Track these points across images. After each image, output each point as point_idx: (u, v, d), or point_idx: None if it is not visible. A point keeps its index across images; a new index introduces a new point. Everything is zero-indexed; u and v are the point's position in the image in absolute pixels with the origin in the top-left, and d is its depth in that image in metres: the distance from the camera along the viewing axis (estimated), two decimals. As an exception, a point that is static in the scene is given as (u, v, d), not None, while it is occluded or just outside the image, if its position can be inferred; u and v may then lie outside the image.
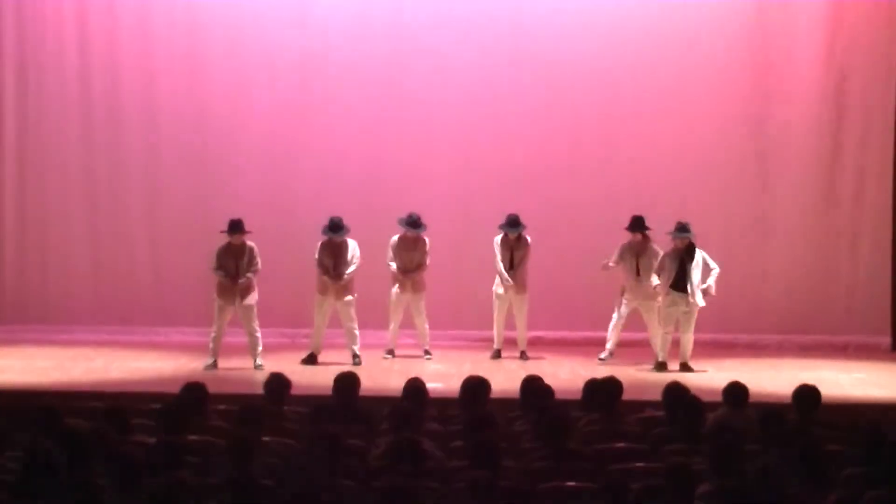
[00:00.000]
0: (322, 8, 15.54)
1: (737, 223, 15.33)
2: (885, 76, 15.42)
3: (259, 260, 13.11)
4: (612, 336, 13.72)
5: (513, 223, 13.87)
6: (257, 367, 12.94)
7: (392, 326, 14.01)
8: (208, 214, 14.77)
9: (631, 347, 13.85)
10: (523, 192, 15.13)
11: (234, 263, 13.04)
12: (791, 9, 15.41)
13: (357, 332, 13.51)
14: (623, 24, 15.44)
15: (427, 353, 14.00)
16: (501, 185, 15.32)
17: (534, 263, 13.99)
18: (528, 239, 13.90)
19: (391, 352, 14.02)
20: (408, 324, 14.17)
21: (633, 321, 13.82)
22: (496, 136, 15.48)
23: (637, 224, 13.65)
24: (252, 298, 13.12)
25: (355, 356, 13.46)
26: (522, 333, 14.04)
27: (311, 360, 13.40)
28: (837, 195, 15.51)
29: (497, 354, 14.00)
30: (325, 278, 13.41)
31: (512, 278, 13.83)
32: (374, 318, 13.92)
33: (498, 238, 13.91)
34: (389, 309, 13.97)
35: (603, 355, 13.65)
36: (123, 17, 15.45)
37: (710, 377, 12.69)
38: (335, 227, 13.44)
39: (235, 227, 13.07)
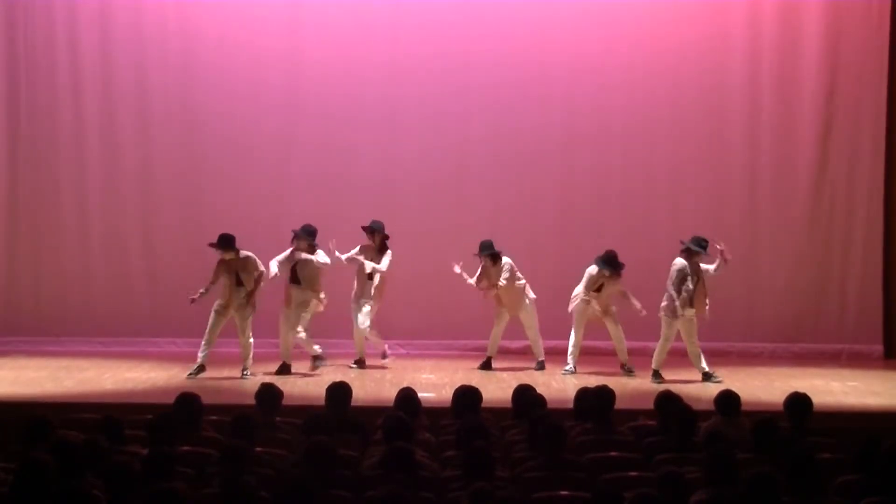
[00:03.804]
0: (314, 12, 15.53)
1: (729, 231, 15.29)
2: (875, 85, 15.44)
3: (260, 264, 13.05)
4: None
5: (482, 247, 13.69)
6: (244, 376, 12.93)
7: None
8: (201, 224, 14.77)
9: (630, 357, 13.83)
10: (515, 201, 15.16)
11: (234, 276, 13.01)
12: (783, 18, 15.44)
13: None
14: (615, 31, 15.47)
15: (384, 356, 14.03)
16: (493, 195, 15.36)
17: (526, 272, 13.97)
18: (506, 260, 13.73)
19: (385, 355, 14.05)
20: (399, 334, 14.18)
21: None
22: (488, 147, 15.49)
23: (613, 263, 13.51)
24: (250, 308, 13.10)
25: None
26: (535, 345, 14.06)
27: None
28: (829, 202, 15.54)
29: (487, 364, 13.95)
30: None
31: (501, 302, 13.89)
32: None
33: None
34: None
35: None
36: (115, 25, 15.42)
37: (702, 386, 12.73)
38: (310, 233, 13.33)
39: (224, 242, 12.99)
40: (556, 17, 15.47)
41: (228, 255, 12.95)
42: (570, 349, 13.71)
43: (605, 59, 15.45)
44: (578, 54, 15.46)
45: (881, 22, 15.44)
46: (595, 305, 13.47)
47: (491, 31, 15.43)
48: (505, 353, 14.36)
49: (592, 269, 13.48)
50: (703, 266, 13.16)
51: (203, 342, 13.03)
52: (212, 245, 13.01)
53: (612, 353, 13.74)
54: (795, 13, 15.45)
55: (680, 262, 13.08)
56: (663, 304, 13.09)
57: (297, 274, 13.33)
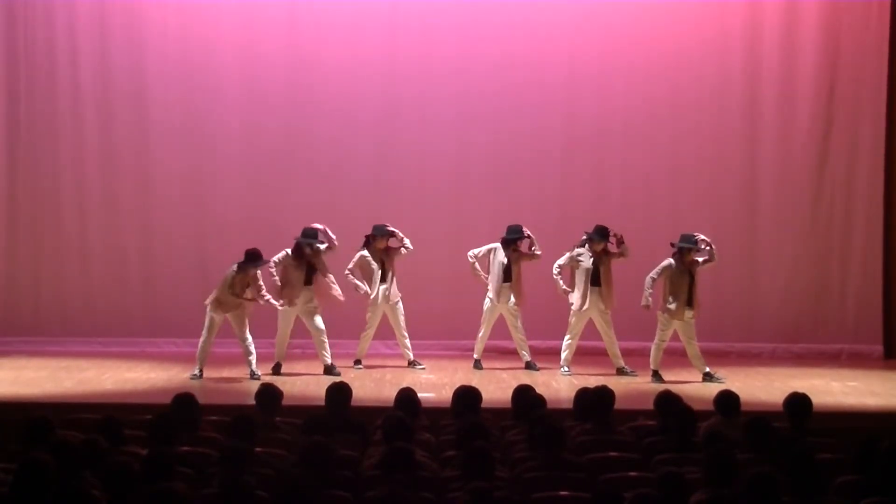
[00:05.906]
0: (313, 15, 15.51)
1: (729, 231, 15.31)
2: (875, 85, 15.43)
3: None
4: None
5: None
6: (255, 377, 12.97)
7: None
8: (200, 225, 14.76)
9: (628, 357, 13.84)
10: (515, 203, 15.14)
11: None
12: (783, 18, 15.43)
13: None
14: (614, 32, 15.46)
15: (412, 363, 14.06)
16: (493, 197, 15.36)
17: (527, 272, 13.98)
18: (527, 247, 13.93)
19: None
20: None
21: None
22: (488, 149, 15.49)
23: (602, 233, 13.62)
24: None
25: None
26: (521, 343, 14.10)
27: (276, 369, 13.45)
28: (829, 202, 15.54)
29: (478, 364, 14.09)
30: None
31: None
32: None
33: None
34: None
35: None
36: (114, 26, 15.40)
37: (702, 386, 12.73)
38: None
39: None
40: (555, 19, 15.46)
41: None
42: (563, 351, 13.74)
43: (605, 60, 15.45)
44: (578, 56, 15.45)
45: (881, 22, 15.43)
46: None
47: (491, 33, 15.40)
48: (504, 353, 14.38)
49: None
50: (700, 259, 13.17)
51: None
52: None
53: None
54: (795, 13, 15.44)
55: (667, 261, 13.13)
56: (668, 305, 13.11)
57: (309, 276, 13.41)
